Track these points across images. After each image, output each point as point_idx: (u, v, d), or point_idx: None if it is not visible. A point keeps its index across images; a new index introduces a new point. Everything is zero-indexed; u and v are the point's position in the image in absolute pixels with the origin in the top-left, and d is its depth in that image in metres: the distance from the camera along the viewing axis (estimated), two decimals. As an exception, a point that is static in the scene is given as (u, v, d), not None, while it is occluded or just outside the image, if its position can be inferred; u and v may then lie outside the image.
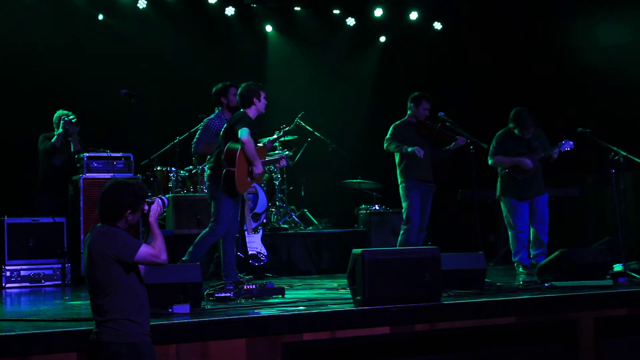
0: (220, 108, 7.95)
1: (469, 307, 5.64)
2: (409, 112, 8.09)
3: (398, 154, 7.96)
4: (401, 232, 7.94)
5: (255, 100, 6.92)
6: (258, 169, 6.78)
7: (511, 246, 8.10)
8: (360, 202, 10.16)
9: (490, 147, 7.99)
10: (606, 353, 5.95)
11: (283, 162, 7.46)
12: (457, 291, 6.06)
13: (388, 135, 7.98)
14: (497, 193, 8.17)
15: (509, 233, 8.12)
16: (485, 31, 11.51)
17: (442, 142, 7.96)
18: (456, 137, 7.86)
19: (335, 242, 9.42)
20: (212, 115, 7.98)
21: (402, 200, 8.01)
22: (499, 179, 8.15)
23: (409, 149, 7.76)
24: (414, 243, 7.87)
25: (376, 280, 5.43)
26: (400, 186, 8.01)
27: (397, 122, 8.04)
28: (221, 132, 7.03)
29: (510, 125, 8.06)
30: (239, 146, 6.64)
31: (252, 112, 6.94)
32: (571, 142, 7.89)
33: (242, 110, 6.92)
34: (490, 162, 8.01)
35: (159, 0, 10.65)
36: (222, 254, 6.98)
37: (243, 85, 7.01)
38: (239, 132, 6.64)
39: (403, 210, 8.02)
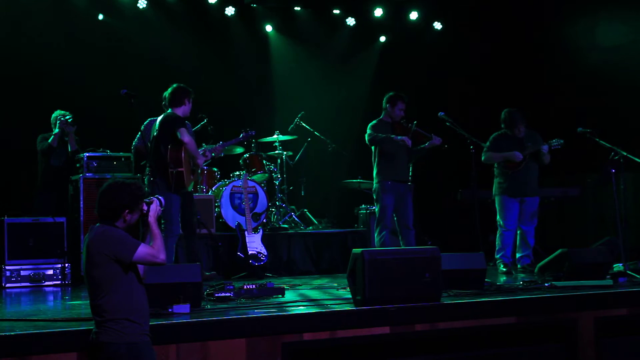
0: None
1: (469, 307, 5.63)
2: (383, 112, 8.11)
3: (376, 154, 7.98)
4: (375, 233, 7.98)
5: (186, 101, 7.23)
6: (200, 160, 7.26)
7: (496, 242, 8.18)
8: (360, 202, 10.16)
9: (485, 146, 8.11)
10: (606, 353, 5.95)
11: (218, 148, 7.79)
12: (457, 291, 6.06)
13: (370, 131, 7.98)
14: (493, 193, 8.28)
15: (498, 230, 8.19)
16: (485, 31, 11.51)
17: (418, 142, 7.99)
18: (431, 136, 7.89)
19: (335, 242, 9.41)
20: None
21: (374, 200, 8.05)
22: (494, 179, 8.24)
23: (398, 137, 7.79)
24: (391, 242, 7.88)
25: (376, 280, 5.42)
26: (374, 186, 8.03)
27: (373, 122, 8.06)
28: (153, 136, 7.18)
29: (502, 125, 8.27)
30: (181, 147, 6.97)
31: (180, 112, 7.19)
32: (561, 141, 8.06)
33: (170, 110, 7.17)
34: (483, 158, 8.14)
35: (159, 0, 10.66)
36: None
37: (175, 85, 7.26)
38: (179, 134, 6.94)
39: (375, 210, 8.07)
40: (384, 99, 8.14)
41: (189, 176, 7.12)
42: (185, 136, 6.96)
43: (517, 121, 8.15)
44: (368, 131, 7.99)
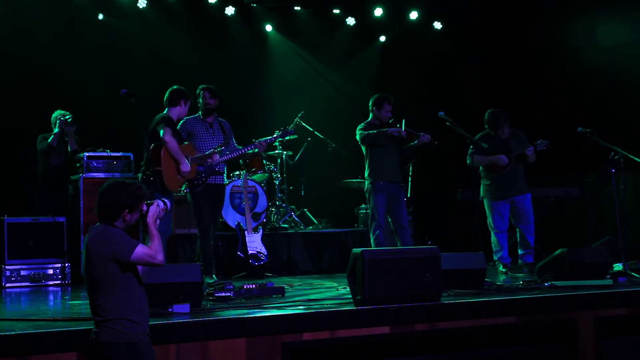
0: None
1: (469, 307, 5.64)
2: (371, 114, 8.11)
3: (367, 155, 7.99)
4: (370, 233, 8.00)
5: (182, 102, 7.29)
6: (184, 167, 7.09)
7: (492, 245, 8.18)
8: (360, 201, 10.15)
9: (469, 148, 8.04)
10: (606, 353, 5.95)
11: (216, 158, 7.42)
12: (457, 291, 6.06)
13: (361, 131, 7.96)
14: (480, 195, 8.26)
15: (491, 233, 8.19)
16: (485, 31, 11.51)
17: (408, 140, 7.98)
18: (419, 134, 7.88)
19: (335, 241, 9.41)
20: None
21: (367, 200, 8.07)
22: (481, 181, 8.24)
23: (392, 129, 7.80)
24: (386, 242, 7.88)
25: (376, 280, 5.42)
26: (366, 187, 8.04)
27: (361, 124, 8.06)
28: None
29: (486, 126, 8.25)
30: (161, 146, 6.96)
31: (174, 113, 7.27)
32: (546, 142, 8.03)
33: (164, 111, 7.25)
34: (468, 161, 8.08)
35: (159, 0, 10.66)
36: None
37: (173, 87, 7.36)
38: (160, 132, 6.96)
39: (368, 210, 8.08)
40: (370, 101, 8.13)
41: (171, 177, 7.02)
42: (165, 135, 6.95)
43: (501, 122, 8.13)
44: (359, 132, 7.99)
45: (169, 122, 7.08)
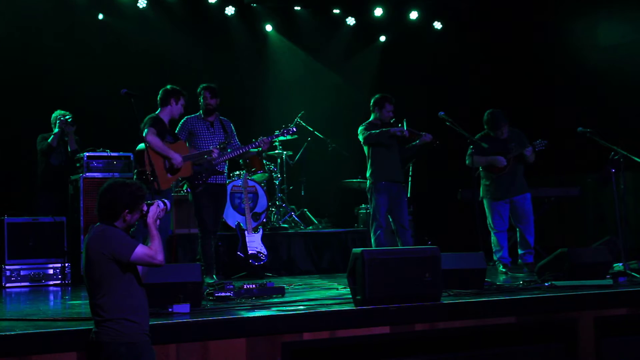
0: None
1: (469, 307, 5.64)
2: (372, 115, 8.11)
3: (369, 155, 8.00)
4: (371, 233, 8.00)
5: (172, 101, 7.26)
6: (176, 159, 7.02)
7: (492, 245, 8.19)
8: (360, 202, 10.16)
9: (469, 149, 8.03)
10: (606, 353, 5.94)
11: (215, 154, 7.39)
12: (457, 291, 6.06)
13: (363, 131, 7.97)
14: (480, 195, 8.27)
15: (491, 233, 8.19)
16: (485, 31, 11.51)
17: (409, 140, 7.99)
18: (421, 133, 7.89)
19: (335, 241, 9.42)
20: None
21: (368, 200, 8.07)
22: (481, 182, 8.24)
23: (395, 129, 7.81)
24: (386, 242, 7.88)
25: (376, 279, 5.42)
26: (368, 187, 8.04)
27: (363, 125, 8.07)
28: None
29: (485, 127, 8.26)
30: (144, 146, 6.90)
31: (165, 113, 7.24)
32: (545, 141, 8.05)
33: (156, 111, 7.23)
34: (467, 162, 8.06)
35: (159, 0, 10.66)
36: None
37: (166, 87, 7.33)
38: (143, 133, 6.94)
39: (369, 210, 8.09)
40: (371, 101, 8.14)
41: (159, 176, 6.93)
42: (148, 135, 6.90)
43: (500, 123, 8.14)
44: (361, 132, 7.99)
45: (154, 122, 7.06)
